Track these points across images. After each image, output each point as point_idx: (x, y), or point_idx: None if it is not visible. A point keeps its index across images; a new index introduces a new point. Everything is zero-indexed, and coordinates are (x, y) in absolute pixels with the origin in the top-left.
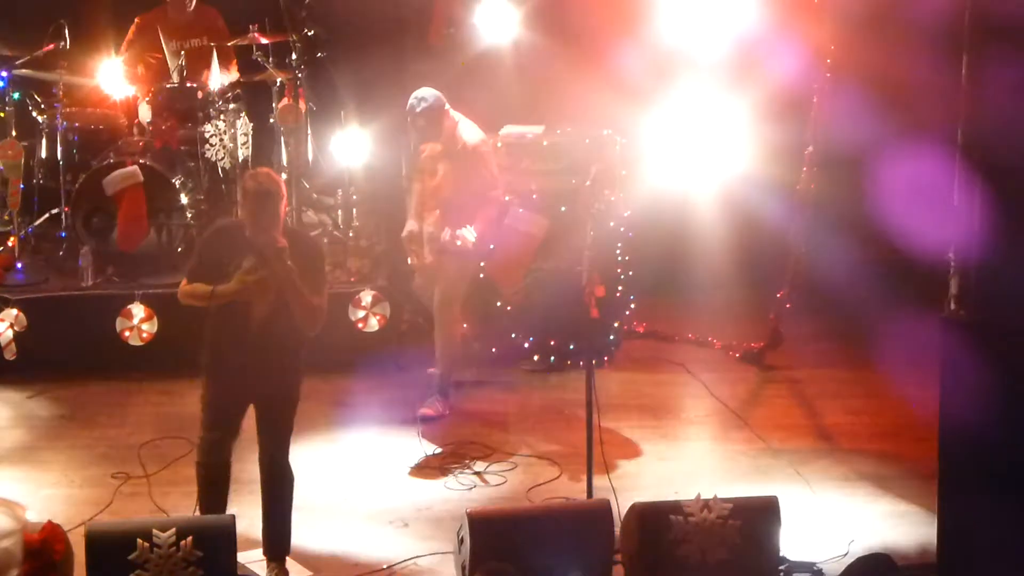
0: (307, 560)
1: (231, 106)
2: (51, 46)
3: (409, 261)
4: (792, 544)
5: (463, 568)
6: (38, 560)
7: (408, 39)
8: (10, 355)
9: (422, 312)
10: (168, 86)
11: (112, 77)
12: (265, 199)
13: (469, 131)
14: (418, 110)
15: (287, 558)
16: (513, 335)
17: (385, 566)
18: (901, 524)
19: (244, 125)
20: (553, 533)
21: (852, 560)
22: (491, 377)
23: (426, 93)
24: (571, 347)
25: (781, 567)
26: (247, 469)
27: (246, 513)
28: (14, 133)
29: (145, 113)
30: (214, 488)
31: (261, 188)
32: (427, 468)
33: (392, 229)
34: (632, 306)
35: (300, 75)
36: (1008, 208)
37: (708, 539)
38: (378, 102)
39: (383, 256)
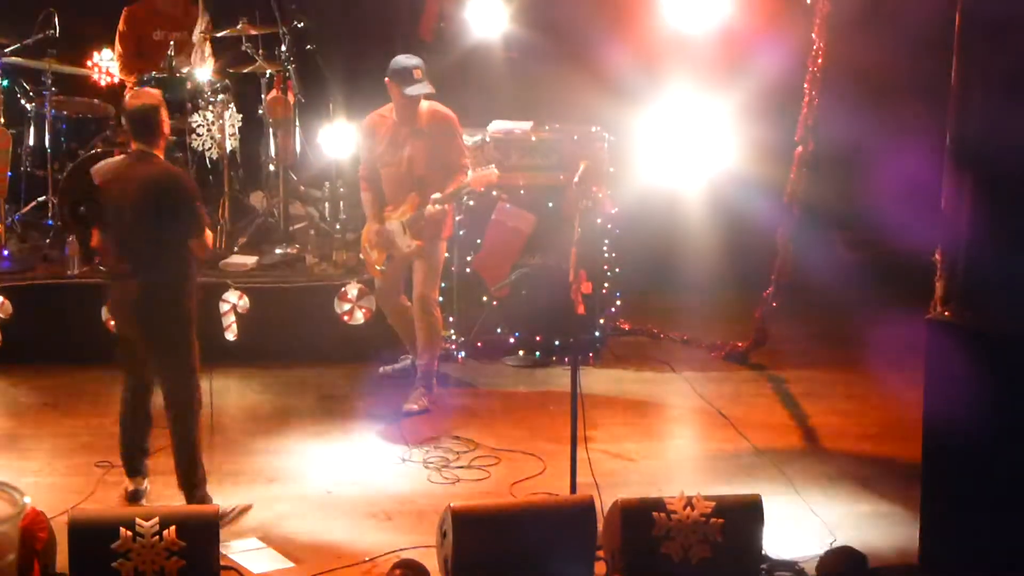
0: (289, 551)
1: (219, 97)
2: (40, 34)
3: (378, 268)
4: (774, 542)
5: (445, 562)
6: (21, 547)
7: (398, 32)
8: None
9: (391, 315)
10: (156, 76)
11: (102, 66)
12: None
13: (439, 104)
14: (421, 69)
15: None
16: (499, 330)
17: (367, 558)
18: (883, 524)
19: (232, 116)
20: (536, 528)
21: (824, 552)
22: (476, 372)
23: (416, 56)
24: (557, 343)
25: (763, 565)
26: (232, 460)
27: (230, 503)
28: (2, 120)
29: None
30: None
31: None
32: (410, 462)
33: None
34: (618, 303)
35: (289, 67)
36: (996, 210)
37: (690, 536)
38: (367, 95)
39: None
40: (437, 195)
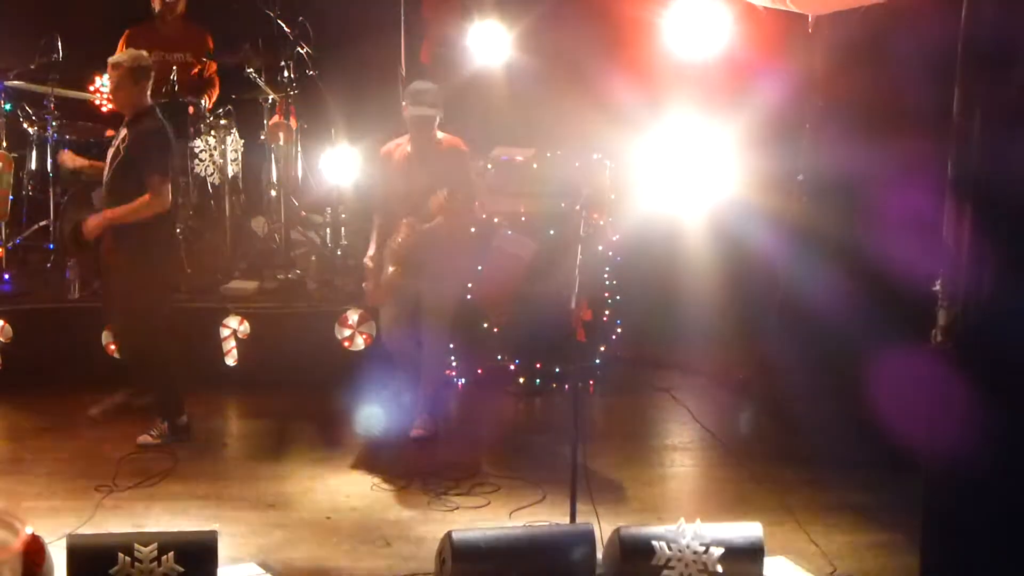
0: None
1: (222, 122)
2: (43, 58)
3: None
4: (774, 572)
5: None
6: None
7: (399, 58)
8: None
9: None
10: (159, 101)
11: (104, 89)
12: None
13: (456, 138)
14: (432, 93)
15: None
16: (499, 357)
17: None
18: (883, 553)
19: (234, 142)
20: (535, 556)
21: None
22: (476, 399)
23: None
24: (557, 370)
25: None
26: (232, 486)
27: (228, 529)
28: (4, 144)
29: None
30: None
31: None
32: (410, 488)
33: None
34: (619, 331)
35: (291, 93)
36: (997, 240)
37: (690, 566)
38: (368, 121)
39: None
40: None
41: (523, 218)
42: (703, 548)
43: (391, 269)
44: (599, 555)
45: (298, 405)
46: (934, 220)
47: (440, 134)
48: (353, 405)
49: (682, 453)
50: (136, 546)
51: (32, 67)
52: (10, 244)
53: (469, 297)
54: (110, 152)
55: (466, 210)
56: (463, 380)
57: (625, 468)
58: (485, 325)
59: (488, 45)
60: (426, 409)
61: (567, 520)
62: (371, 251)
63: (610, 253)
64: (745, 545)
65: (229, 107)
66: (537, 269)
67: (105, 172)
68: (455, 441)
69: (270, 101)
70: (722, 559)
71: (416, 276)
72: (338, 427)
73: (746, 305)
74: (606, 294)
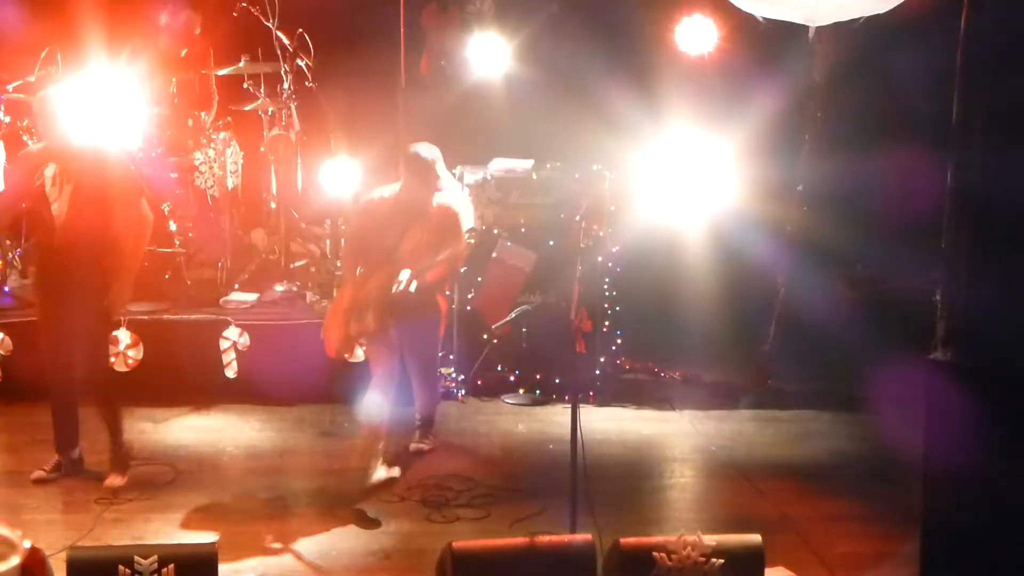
0: None
1: (221, 134)
2: (43, 71)
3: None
4: None
5: None
6: None
7: (399, 70)
8: None
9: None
10: (159, 113)
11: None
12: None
13: (450, 198)
14: (416, 156)
15: None
16: (499, 368)
17: None
18: (884, 565)
19: (234, 153)
20: (535, 568)
21: None
22: (476, 410)
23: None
24: (557, 381)
25: None
26: (231, 498)
27: (229, 541)
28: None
29: (135, 140)
30: None
31: None
32: (410, 500)
33: None
34: (619, 341)
35: (291, 104)
36: (996, 250)
37: None
38: (368, 133)
39: None
40: (407, 272)
41: (523, 229)
42: (703, 559)
43: (370, 317)
44: (599, 566)
45: (298, 417)
46: (933, 230)
47: (436, 196)
48: (352, 417)
49: (682, 464)
50: (136, 559)
51: (32, 79)
52: (10, 256)
53: (469, 308)
54: (61, 190)
55: (458, 267)
56: (463, 391)
57: (625, 479)
58: (485, 336)
59: (487, 56)
60: (425, 421)
61: (567, 531)
62: (347, 288)
63: (610, 264)
64: (745, 556)
65: (228, 119)
66: (537, 280)
67: (60, 211)
68: (454, 453)
69: (269, 113)
70: (722, 570)
71: (398, 321)
72: (337, 439)
73: (746, 315)
74: (606, 305)
